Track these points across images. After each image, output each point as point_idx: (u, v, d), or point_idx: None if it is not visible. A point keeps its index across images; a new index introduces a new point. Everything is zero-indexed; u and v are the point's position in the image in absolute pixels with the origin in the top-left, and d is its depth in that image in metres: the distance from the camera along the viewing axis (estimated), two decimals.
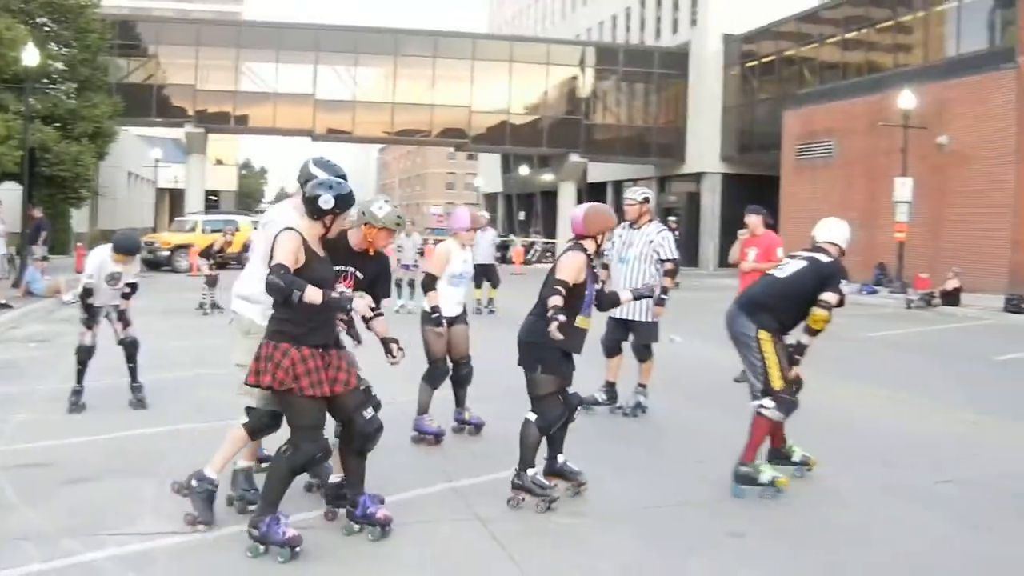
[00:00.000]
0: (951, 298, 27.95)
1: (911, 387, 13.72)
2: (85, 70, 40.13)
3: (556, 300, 7.03)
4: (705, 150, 53.50)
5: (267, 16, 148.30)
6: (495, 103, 55.35)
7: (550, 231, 62.49)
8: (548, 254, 57.93)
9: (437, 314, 9.30)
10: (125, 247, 10.64)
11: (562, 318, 6.93)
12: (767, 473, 7.74)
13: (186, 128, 51.69)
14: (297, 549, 6.02)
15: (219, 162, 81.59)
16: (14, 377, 12.71)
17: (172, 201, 78.02)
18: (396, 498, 7.29)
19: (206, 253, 22.38)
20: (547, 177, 63.11)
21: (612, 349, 11.10)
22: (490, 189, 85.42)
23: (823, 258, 8.03)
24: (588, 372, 11.51)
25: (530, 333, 7.35)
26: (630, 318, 10.81)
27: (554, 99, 57.51)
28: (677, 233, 24.91)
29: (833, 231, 8.36)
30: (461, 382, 9.73)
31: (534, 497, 7.21)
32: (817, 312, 7.76)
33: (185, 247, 38.21)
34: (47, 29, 39.34)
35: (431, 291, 9.37)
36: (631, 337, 11.05)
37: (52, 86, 40.08)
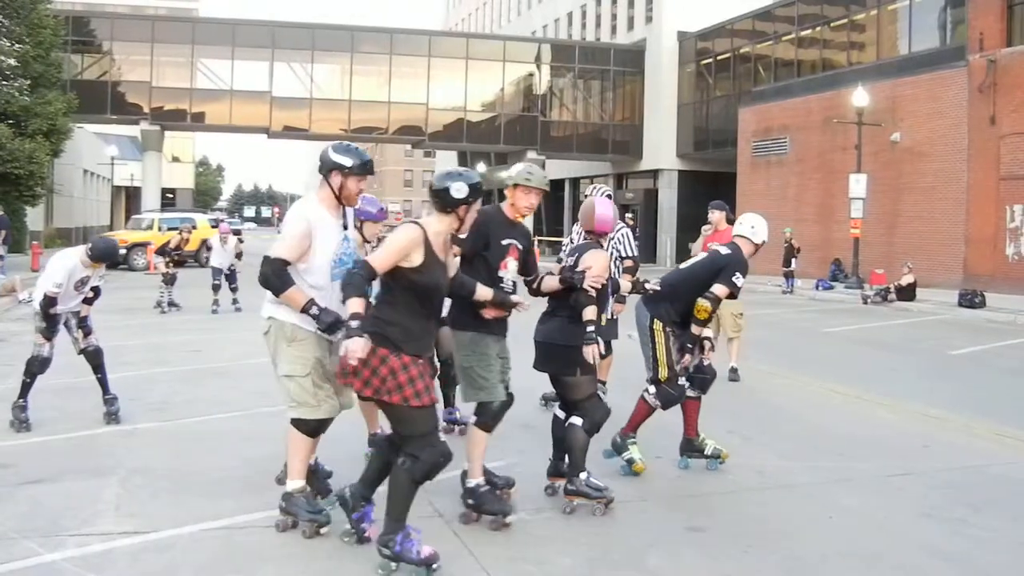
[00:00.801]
0: (906, 293, 28.22)
1: (868, 381, 13.85)
2: (38, 66, 39.85)
3: (591, 312, 7.03)
4: (661, 147, 53.63)
5: (223, 13, 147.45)
6: (452, 100, 55.24)
7: None
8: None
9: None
10: (104, 254, 9.72)
11: (590, 329, 7.00)
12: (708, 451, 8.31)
13: (142, 125, 51.18)
14: (435, 567, 5.79)
15: (175, 159, 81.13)
16: None
17: (128, 199, 77.51)
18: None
19: (163, 251, 22.45)
20: (504, 174, 63.18)
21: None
22: None
23: (723, 250, 8.18)
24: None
25: (563, 336, 7.22)
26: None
27: (511, 96, 57.49)
28: (635, 230, 25.10)
29: (744, 226, 8.52)
30: (451, 381, 9.40)
31: (589, 501, 7.17)
32: (700, 302, 7.98)
33: (142, 245, 38.03)
34: None
35: None
36: None
37: (4, 83, 39.78)
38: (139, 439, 9.12)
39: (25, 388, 9.58)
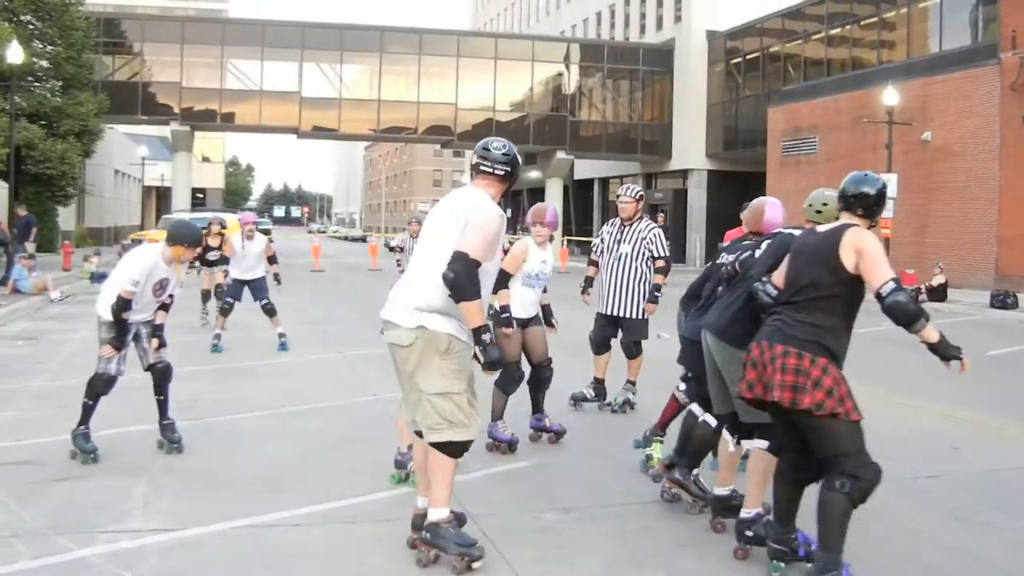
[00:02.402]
0: (937, 294, 28.03)
1: (899, 383, 13.78)
2: (70, 68, 40.19)
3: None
4: (690, 146, 53.55)
5: (252, 13, 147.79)
6: (481, 100, 55.26)
7: None
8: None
9: (506, 314, 8.85)
10: (183, 236, 8.51)
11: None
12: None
13: (172, 126, 51.40)
14: None
15: (206, 159, 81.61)
16: (1, 375, 12.70)
17: (159, 199, 77.93)
18: (377, 496, 7.38)
19: (204, 260, 18.83)
20: (534, 174, 63.10)
21: (601, 345, 11.13)
22: None
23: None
24: (577, 368, 11.61)
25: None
26: (620, 314, 10.84)
27: (540, 96, 57.45)
28: (667, 231, 25.12)
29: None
30: (541, 385, 9.29)
31: (689, 495, 7.21)
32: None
33: None
34: (31, 27, 39.37)
35: (502, 289, 8.80)
36: (620, 334, 11.03)
37: (37, 84, 40.09)
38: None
39: (87, 412, 8.42)
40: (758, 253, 6.72)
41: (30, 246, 26.55)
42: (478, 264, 5.65)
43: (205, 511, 6.87)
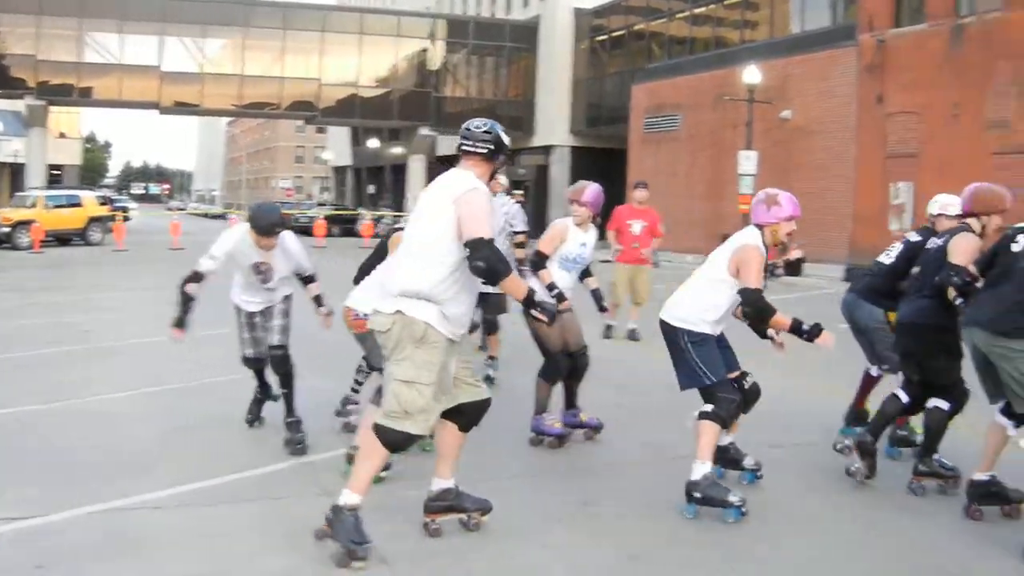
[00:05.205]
0: (794, 268, 28.53)
1: (753, 355, 14.01)
2: None
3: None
4: (554, 123, 53.79)
5: None
6: (345, 76, 54.83)
7: (399, 205, 62.28)
8: (398, 228, 57.66)
9: (556, 290, 8.10)
10: (254, 221, 7.95)
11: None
12: None
13: (26, 100, 49.92)
14: None
15: (62, 135, 79.32)
16: None
17: (12, 176, 75.74)
18: (245, 475, 7.30)
19: None
20: (397, 150, 62.92)
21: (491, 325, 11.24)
22: (340, 162, 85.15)
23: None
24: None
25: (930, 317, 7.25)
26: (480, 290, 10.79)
27: (404, 72, 57.22)
28: (525, 206, 25.31)
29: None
30: (578, 374, 8.73)
31: (937, 480, 7.29)
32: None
33: (26, 223, 37.05)
34: None
35: (541, 270, 8.34)
36: (480, 310, 10.67)
37: None
38: (25, 422, 8.92)
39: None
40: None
41: None
42: (493, 240, 5.64)
43: (65, 496, 6.67)
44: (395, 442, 5.77)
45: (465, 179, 5.90)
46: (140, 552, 5.81)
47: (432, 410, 5.79)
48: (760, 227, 6.99)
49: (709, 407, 6.76)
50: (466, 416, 6.09)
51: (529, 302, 5.80)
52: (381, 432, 5.74)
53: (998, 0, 27.79)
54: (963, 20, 28.93)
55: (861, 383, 8.73)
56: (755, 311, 6.66)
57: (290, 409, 8.19)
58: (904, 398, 7.43)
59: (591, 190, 8.63)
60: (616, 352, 13.48)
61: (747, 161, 33.41)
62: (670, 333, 6.96)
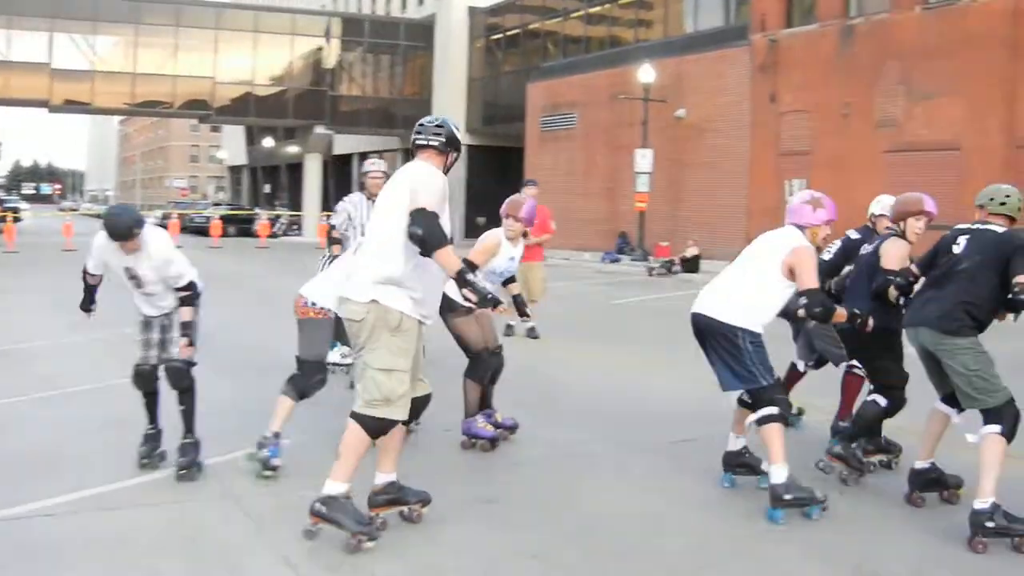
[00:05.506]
0: (690, 265, 29.06)
1: (653, 351, 14.15)
2: None
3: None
4: None
5: None
6: (239, 74, 54.11)
7: (296, 204, 61.84)
8: (294, 227, 57.41)
9: (489, 293, 6.56)
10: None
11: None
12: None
13: None
14: None
15: None
16: None
17: None
18: (145, 479, 7.19)
19: None
20: (292, 149, 62.38)
21: None
22: (235, 162, 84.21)
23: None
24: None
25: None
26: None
27: (299, 70, 56.73)
28: None
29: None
30: (494, 375, 8.64)
31: (846, 467, 7.43)
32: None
33: None
34: None
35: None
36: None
37: None
38: None
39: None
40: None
41: None
42: (437, 216, 5.72)
43: None
44: (379, 429, 5.89)
45: (424, 167, 6.08)
46: (36, 562, 5.67)
47: (409, 395, 5.91)
48: (802, 227, 6.99)
49: (771, 410, 6.76)
50: (412, 409, 6.11)
51: (461, 279, 5.77)
52: (364, 421, 5.82)
53: (886, 1, 28.42)
54: (853, 21, 29.59)
55: (786, 376, 8.76)
56: (824, 311, 6.72)
57: (189, 428, 7.39)
58: (883, 402, 7.54)
59: (528, 207, 8.67)
60: (515, 351, 13.50)
61: (643, 159, 33.76)
62: (725, 332, 6.95)
